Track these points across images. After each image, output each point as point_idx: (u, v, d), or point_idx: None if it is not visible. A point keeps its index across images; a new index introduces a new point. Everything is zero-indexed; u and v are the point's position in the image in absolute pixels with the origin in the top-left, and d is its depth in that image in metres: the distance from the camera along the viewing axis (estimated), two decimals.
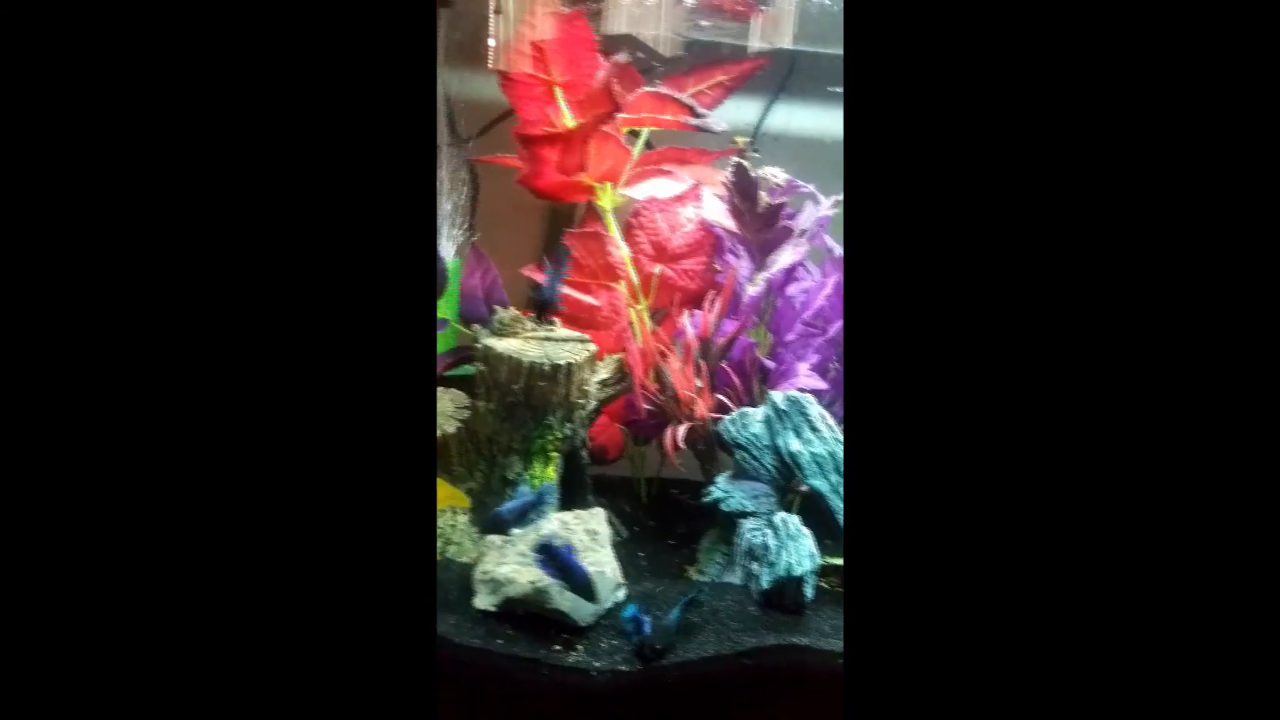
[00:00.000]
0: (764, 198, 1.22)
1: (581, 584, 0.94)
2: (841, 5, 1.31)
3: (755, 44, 1.42)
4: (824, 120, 1.52)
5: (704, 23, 1.32)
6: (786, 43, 1.42)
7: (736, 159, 1.17)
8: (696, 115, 1.14)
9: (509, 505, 1.03)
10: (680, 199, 1.23)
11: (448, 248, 1.42)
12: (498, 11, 1.17)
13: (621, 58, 1.08)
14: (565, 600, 0.97)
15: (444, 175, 1.41)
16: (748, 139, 1.33)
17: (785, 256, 1.20)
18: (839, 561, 1.14)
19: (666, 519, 1.32)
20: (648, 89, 1.18)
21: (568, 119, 1.13)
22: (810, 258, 1.31)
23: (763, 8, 1.34)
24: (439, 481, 1.05)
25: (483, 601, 0.99)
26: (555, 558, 0.92)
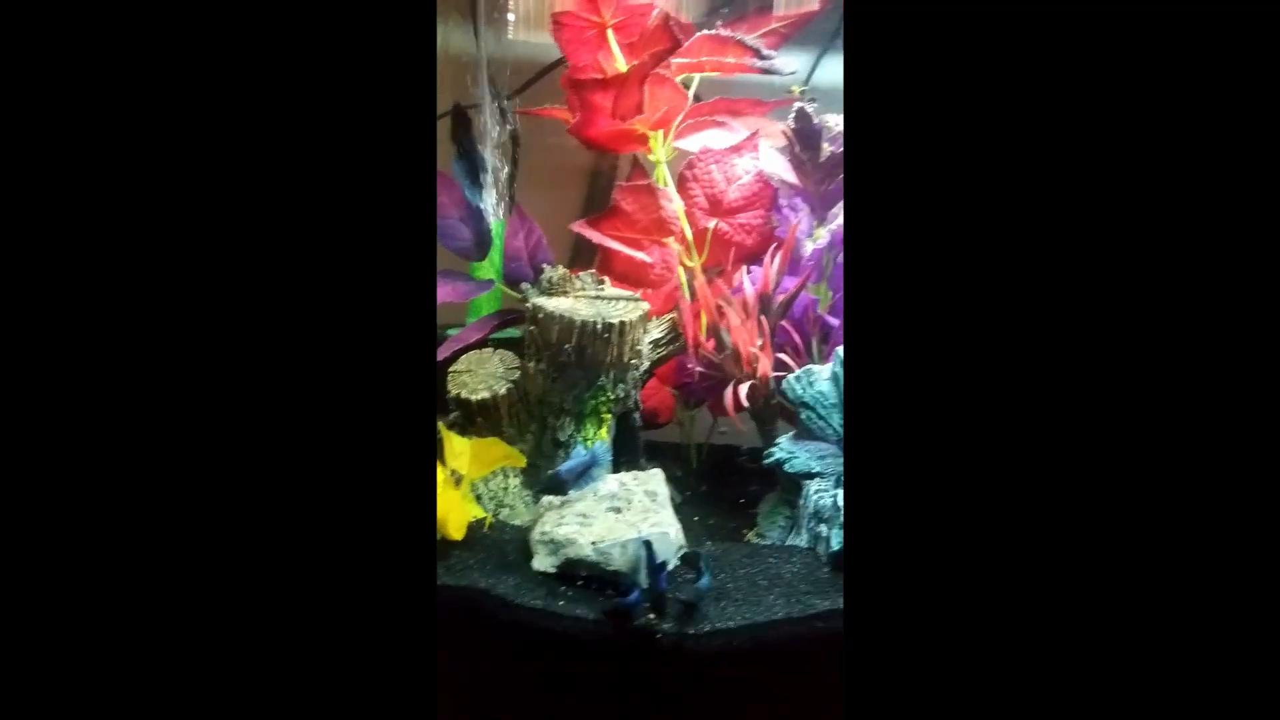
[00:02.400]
0: (827, 147, 1.16)
1: (654, 597, 0.90)
2: None
3: None
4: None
5: None
6: None
7: (800, 105, 1.11)
8: (762, 58, 1.08)
9: (566, 465, 0.99)
10: (736, 149, 1.17)
11: (491, 208, 1.38)
12: None
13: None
14: (628, 561, 0.93)
15: (485, 134, 1.37)
16: (803, 88, 1.27)
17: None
18: None
19: (719, 483, 1.29)
20: (705, 32, 1.12)
21: (620, 63, 1.07)
22: None
23: None
24: (495, 441, 1.02)
25: (541, 563, 0.96)
26: (651, 566, 0.89)
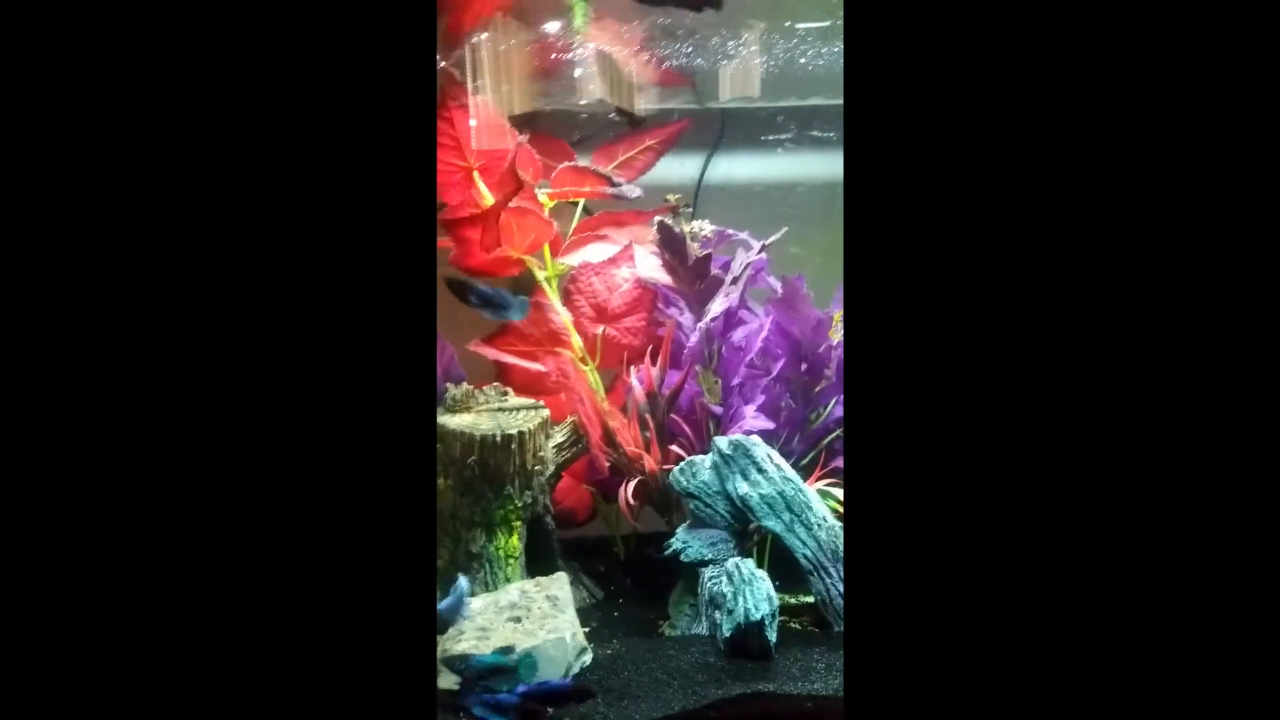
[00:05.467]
0: (693, 249, 1.26)
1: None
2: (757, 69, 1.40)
3: (680, 105, 1.50)
4: (762, 168, 1.59)
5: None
6: (716, 100, 1.49)
7: (658, 219, 1.21)
8: (613, 185, 1.19)
9: (444, 603, 1.03)
10: (614, 260, 1.27)
11: None
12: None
13: (523, 139, 1.14)
14: (525, 671, 0.97)
15: None
16: (679, 196, 1.38)
17: (718, 304, 1.23)
18: (808, 599, 1.13)
19: (643, 576, 1.32)
20: (567, 165, 1.24)
21: (487, 199, 1.18)
22: (755, 299, 1.34)
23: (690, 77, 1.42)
24: None
25: (445, 681, 0.99)
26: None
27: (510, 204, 1.14)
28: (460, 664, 0.97)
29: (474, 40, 1.18)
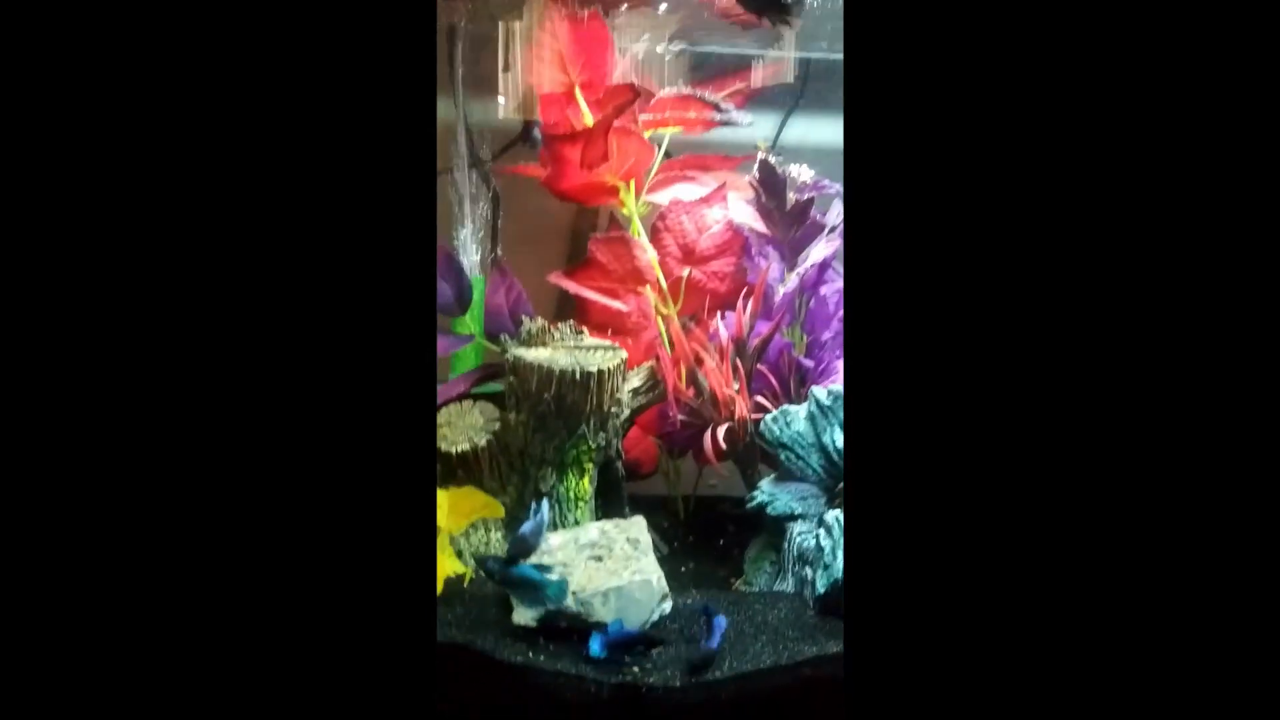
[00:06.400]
0: (792, 196, 1.20)
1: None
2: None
3: (771, 53, 1.43)
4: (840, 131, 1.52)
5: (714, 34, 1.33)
6: (800, 53, 1.43)
7: (763, 157, 1.15)
8: (721, 111, 1.12)
9: (527, 527, 0.98)
10: (706, 200, 1.21)
11: (472, 265, 1.41)
12: (508, 41, 1.18)
13: (638, 49, 1.08)
14: (609, 612, 0.91)
15: (465, 195, 1.41)
16: (766, 141, 1.32)
17: (816, 253, 1.17)
18: None
19: (707, 534, 1.27)
20: (668, 91, 1.17)
21: (587, 118, 1.12)
22: (840, 256, 1.28)
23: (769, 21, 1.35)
24: (472, 490, 1.01)
25: (522, 616, 0.94)
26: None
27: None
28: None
29: None
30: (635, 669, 0.88)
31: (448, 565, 0.99)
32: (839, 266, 1.26)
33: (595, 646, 0.87)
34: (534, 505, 1.01)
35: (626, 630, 0.90)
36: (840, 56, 1.34)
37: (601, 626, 0.90)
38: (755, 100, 1.34)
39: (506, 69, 1.25)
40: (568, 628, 0.92)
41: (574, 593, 0.92)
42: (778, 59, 1.34)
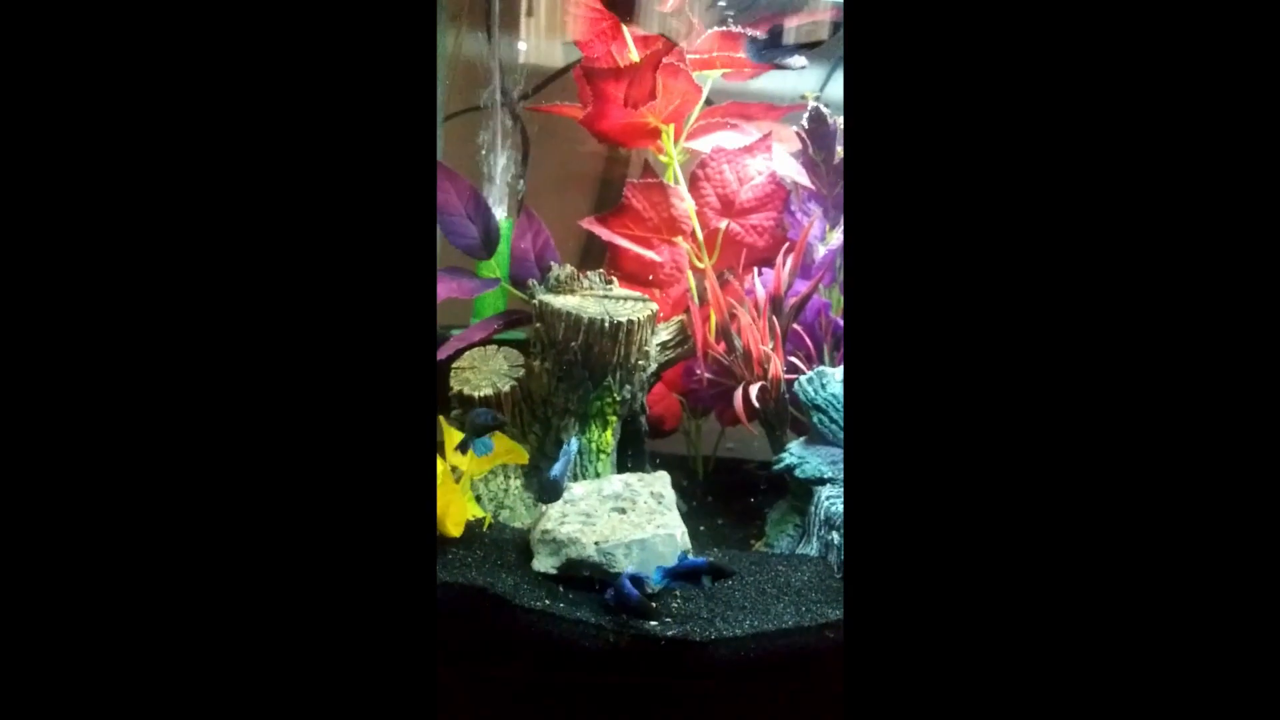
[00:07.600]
0: (840, 150, 1.14)
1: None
2: None
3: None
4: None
5: None
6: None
7: (816, 105, 1.09)
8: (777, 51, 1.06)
9: (556, 468, 0.95)
10: (749, 150, 1.15)
11: (499, 208, 1.36)
12: None
13: None
14: (632, 564, 0.89)
15: (495, 135, 1.37)
16: (815, 93, 1.26)
17: None
18: None
19: (726, 495, 1.25)
20: (719, 28, 1.11)
21: (633, 53, 1.06)
22: None
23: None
24: (495, 435, 0.98)
25: (542, 563, 0.92)
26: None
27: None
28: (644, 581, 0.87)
29: None
30: (654, 623, 0.86)
31: (467, 508, 0.97)
32: None
33: (657, 576, 0.85)
34: (565, 444, 0.98)
35: (692, 560, 0.87)
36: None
37: (616, 577, 0.88)
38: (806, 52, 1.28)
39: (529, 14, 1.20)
40: (588, 576, 0.90)
41: (597, 543, 0.90)
42: (830, 4, 1.28)
